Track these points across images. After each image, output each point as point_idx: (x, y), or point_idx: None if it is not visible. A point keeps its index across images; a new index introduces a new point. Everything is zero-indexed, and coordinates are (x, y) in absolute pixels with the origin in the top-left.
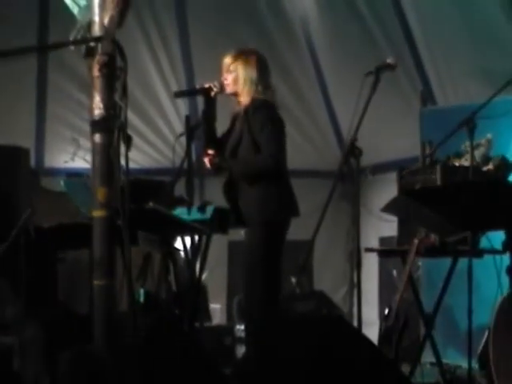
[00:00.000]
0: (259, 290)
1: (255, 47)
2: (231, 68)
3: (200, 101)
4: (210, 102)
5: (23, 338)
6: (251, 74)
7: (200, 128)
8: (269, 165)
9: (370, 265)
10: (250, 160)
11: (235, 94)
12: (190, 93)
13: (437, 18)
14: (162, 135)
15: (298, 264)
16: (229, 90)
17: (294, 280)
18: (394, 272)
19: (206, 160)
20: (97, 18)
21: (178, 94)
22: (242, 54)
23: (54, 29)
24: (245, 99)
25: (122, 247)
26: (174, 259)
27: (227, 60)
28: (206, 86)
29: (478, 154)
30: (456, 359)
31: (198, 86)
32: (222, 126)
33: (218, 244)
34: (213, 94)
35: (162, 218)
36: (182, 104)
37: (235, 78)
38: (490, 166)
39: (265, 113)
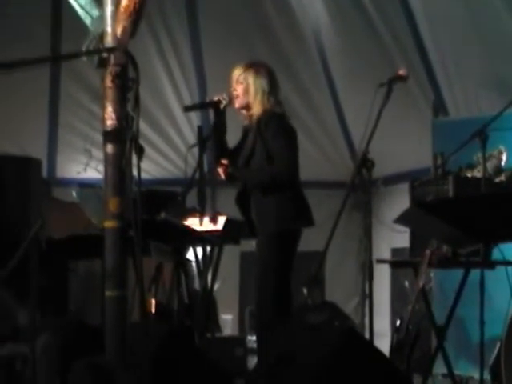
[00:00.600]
0: (271, 301)
1: (267, 59)
2: (241, 79)
3: (212, 112)
4: (220, 115)
5: (35, 347)
6: (263, 84)
7: (211, 139)
8: (283, 174)
9: (382, 276)
10: (263, 170)
11: (245, 107)
12: (199, 106)
13: (449, 28)
14: (174, 146)
15: (310, 275)
16: (239, 101)
17: (305, 291)
18: (406, 283)
19: (220, 170)
20: (109, 29)
21: (188, 109)
22: (251, 65)
23: (66, 39)
24: (257, 110)
25: (133, 258)
26: (185, 270)
27: (236, 71)
28: (215, 99)
29: (490, 165)
30: (468, 371)
31: (207, 100)
32: (232, 139)
33: (230, 255)
34: (222, 106)
35: (174, 229)
36: (194, 114)
37: (246, 89)
38: (503, 178)
39: (278, 123)
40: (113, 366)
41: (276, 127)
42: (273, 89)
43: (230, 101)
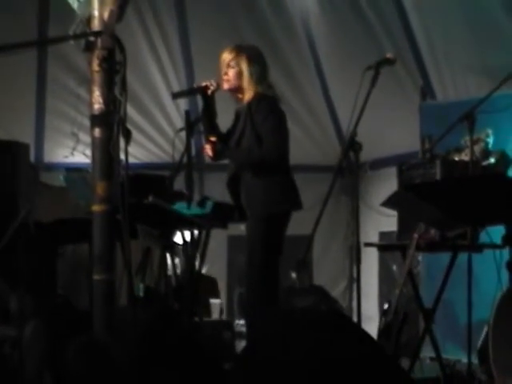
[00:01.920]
0: (258, 284)
1: (255, 42)
2: (232, 64)
3: (200, 97)
4: (209, 100)
5: (25, 332)
6: (256, 69)
7: (200, 123)
8: (271, 156)
9: (370, 260)
10: (252, 150)
11: (236, 90)
12: (187, 93)
13: (437, 12)
14: (161, 130)
15: (298, 259)
16: (229, 85)
17: (294, 275)
18: (394, 267)
19: (208, 147)
20: (96, 13)
21: (176, 96)
22: (242, 49)
23: (53, 23)
24: (248, 94)
25: (121, 242)
26: (173, 254)
27: (227, 55)
28: (203, 84)
29: (477, 148)
30: (456, 354)
31: (195, 85)
32: (224, 122)
33: (218, 238)
34: (210, 92)
35: (162, 213)
36: (182, 99)
37: (238, 73)
38: (490, 161)
39: (268, 106)
40: (108, 344)
41: (266, 110)
42: (265, 72)
43: (218, 85)
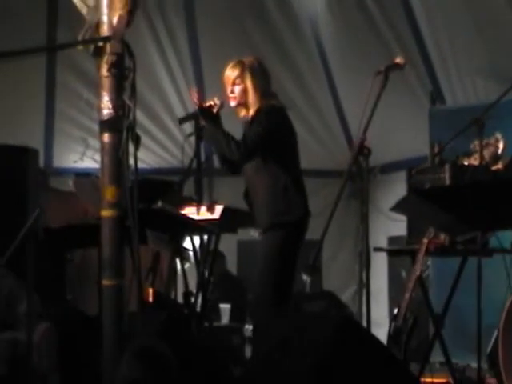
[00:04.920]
0: (269, 294)
1: (263, 45)
2: (238, 81)
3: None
4: (215, 119)
5: (35, 335)
6: (260, 83)
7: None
8: (235, 157)
9: (380, 264)
10: (228, 141)
11: (243, 105)
12: (193, 116)
13: (446, 16)
14: (170, 135)
15: (308, 264)
16: (236, 102)
17: (304, 277)
18: (403, 272)
19: (194, 96)
20: (105, 18)
21: (182, 121)
22: (245, 65)
23: (62, 29)
24: (253, 109)
25: (130, 247)
26: (182, 259)
27: (231, 72)
28: (207, 104)
29: (487, 153)
30: (465, 359)
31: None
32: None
33: (227, 243)
34: (215, 110)
35: (171, 218)
36: (191, 104)
37: (244, 90)
38: (500, 166)
39: (264, 115)
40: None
41: (262, 118)
42: (268, 84)
43: (222, 104)
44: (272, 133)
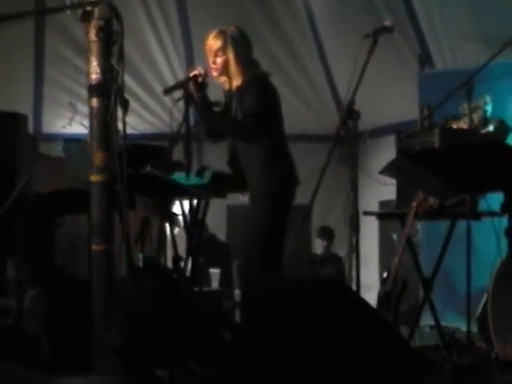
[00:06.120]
0: (259, 260)
1: (253, 13)
2: (220, 53)
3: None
4: (201, 89)
5: (23, 301)
6: (243, 54)
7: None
8: (245, 136)
9: (371, 229)
10: (230, 120)
11: (225, 76)
12: (179, 86)
13: None
14: (159, 100)
15: (296, 228)
16: (219, 72)
17: (322, 242)
18: (394, 236)
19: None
20: None
21: (168, 91)
22: (228, 36)
23: None
24: (237, 80)
25: (119, 212)
26: (171, 224)
27: (213, 43)
28: (192, 74)
29: (476, 116)
30: (455, 322)
31: (184, 77)
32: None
33: (217, 208)
34: (200, 80)
35: (160, 183)
36: (180, 68)
37: (226, 61)
38: (489, 128)
39: (257, 88)
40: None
41: (254, 93)
42: (250, 53)
43: (206, 73)
44: (268, 105)
